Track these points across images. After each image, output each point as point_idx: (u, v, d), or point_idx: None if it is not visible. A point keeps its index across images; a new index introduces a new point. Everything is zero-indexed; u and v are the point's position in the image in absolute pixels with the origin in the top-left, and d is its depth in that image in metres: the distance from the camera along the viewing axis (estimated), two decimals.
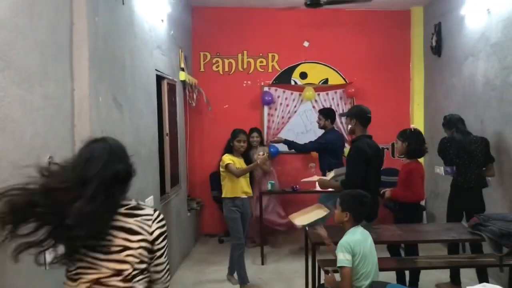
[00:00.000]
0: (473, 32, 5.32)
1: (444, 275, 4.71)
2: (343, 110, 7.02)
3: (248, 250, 5.89)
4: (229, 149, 4.93)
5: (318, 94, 7.05)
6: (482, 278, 4.23)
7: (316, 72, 7.11)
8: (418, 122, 6.87)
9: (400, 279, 4.24)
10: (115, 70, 3.47)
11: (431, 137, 6.62)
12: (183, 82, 5.98)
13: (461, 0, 5.62)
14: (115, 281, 1.80)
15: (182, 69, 5.96)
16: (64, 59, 2.76)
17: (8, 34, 2.13)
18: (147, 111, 4.30)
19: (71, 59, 2.84)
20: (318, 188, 4.98)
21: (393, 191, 4.31)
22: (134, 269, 1.82)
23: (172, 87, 5.46)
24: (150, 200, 4.23)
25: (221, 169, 4.86)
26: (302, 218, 4.06)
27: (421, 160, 4.53)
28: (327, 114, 6.11)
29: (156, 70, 4.67)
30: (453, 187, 4.70)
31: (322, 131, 6.14)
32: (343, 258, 2.91)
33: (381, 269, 3.19)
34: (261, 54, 7.08)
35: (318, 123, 6.14)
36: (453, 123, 4.72)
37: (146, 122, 4.25)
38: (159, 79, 4.91)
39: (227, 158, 4.78)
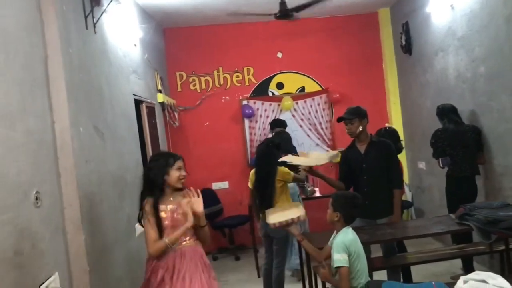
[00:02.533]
0: (440, 28, 5.47)
1: (435, 268, 4.78)
2: (322, 117, 7.11)
3: (244, 263, 5.94)
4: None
5: (297, 103, 7.12)
6: (469, 268, 4.29)
7: (292, 81, 7.19)
8: (396, 120, 6.99)
9: (393, 277, 4.28)
10: (93, 99, 3.48)
11: (410, 133, 6.75)
12: (162, 103, 5.99)
13: None
14: None
15: (160, 91, 5.98)
16: (42, 93, 2.77)
17: None
18: (128, 136, 4.31)
19: (48, 92, 2.85)
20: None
21: None
22: None
23: (151, 110, 5.47)
24: (138, 225, 4.21)
25: (281, 183, 4.39)
26: (276, 216, 4.03)
27: (400, 156, 4.61)
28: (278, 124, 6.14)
29: (134, 94, 4.69)
30: (449, 177, 4.74)
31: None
32: (340, 258, 2.93)
33: (374, 268, 3.23)
34: (236, 69, 7.14)
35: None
36: (444, 113, 4.77)
37: (128, 147, 4.26)
38: (138, 103, 4.93)
39: (287, 171, 4.40)
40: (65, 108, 2.91)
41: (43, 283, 2.48)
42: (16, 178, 2.33)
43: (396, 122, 6.97)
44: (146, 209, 2.84)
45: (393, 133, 4.70)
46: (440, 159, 4.76)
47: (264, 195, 4.34)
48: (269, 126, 6.10)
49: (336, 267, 2.96)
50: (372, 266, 3.20)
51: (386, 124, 5.47)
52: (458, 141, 4.61)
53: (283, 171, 4.35)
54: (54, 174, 2.82)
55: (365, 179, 4.03)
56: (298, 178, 4.55)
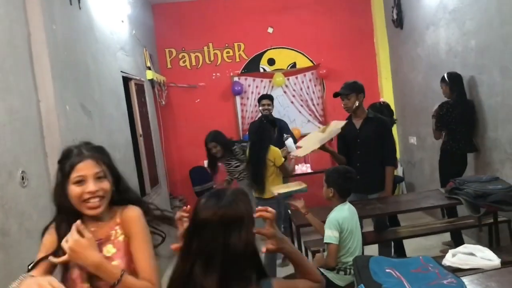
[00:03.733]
0: (431, 1, 5.40)
1: (427, 242, 4.84)
2: (313, 93, 7.08)
3: None
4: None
5: (288, 79, 7.07)
6: (458, 241, 4.34)
7: (284, 57, 7.12)
8: (387, 95, 6.97)
9: (384, 251, 4.33)
10: (79, 76, 3.43)
11: (401, 108, 6.74)
12: (151, 81, 5.93)
13: None
14: None
15: (149, 68, 5.91)
16: (25, 71, 2.72)
17: None
18: (117, 114, 4.26)
19: (32, 70, 2.79)
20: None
21: None
22: None
23: (140, 87, 5.41)
24: None
25: (271, 163, 4.38)
26: (279, 187, 4.09)
27: (393, 130, 4.61)
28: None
29: (121, 71, 4.62)
30: (445, 152, 4.65)
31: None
32: (330, 234, 2.95)
33: (365, 243, 3.25)
34: (227, 45, 7.05)
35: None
36: (457, 83, 4.54)
37: (117, 125, 4.22)
38: (126, 80, 4.87)
39: (280, 153, 4.41)
40: (50, 86, 2.85)
41: (31, 263, 2.47)
42: (1, 158, 2.30)
43: (388, 96, 6.94)
44: None
45: (387, 107, 4.68)
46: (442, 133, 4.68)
47: (256, 171, 4.35)
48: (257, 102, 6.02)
49: (325, 243, 2.99)
50: (364, 240, 3.22)
51: (381, 99, 5.42)
52: (461, 116, 4.51)
53: (275, 150, 4.35)
54: (41, 154, 2.78)
55: (358, 154, 4.04)
56: (286, 168, 4.47)
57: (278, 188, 4.00)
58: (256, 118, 6.21)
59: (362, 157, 4.03)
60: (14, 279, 2.24)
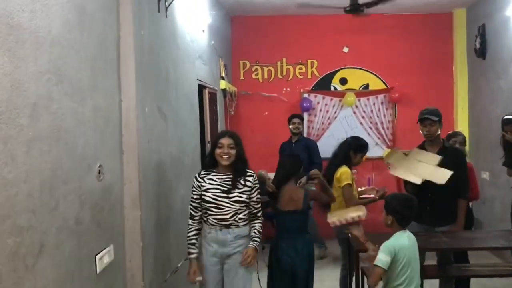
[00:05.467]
0: None
1: (491, 284, 4.57)
2: (384, 116, 6.95)
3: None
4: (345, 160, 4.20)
5: (359, 100, 6.99)
6: None
7: (356, 78, 7.06)
8: (462, 126, 6.70)
9: (445, 286, 4.14)
10: (159, 81, 3.58)
11: (476, 141, 6.45)
12: (224, 90, 6.07)
13: (506, 1, 5.47)
14: None
15: (223, 78, 6.06)
16: (112, 72, 2.88)
17: (61, 49, 2.25)
18: (189, 119, 4.40)
19: (118, 71, 2.95)
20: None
21: None
22: None
23: (213, 96, 5.55)
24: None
25: (337, 184, 4.16)
26: (336, 214, 3.96)
27: None
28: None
29: (198, 79, 4.78)
30: None
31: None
32: (382, 258, 2.88)
33: (425, 276, 3.13)
34: (300, 61, 7.10)
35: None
36: None
37: (189, 130, 4.36)
38: (201, 88, 5.02)
39: (348, 175, 4.09)
40: (132, 88, 3.00)
41: (98, 253, 2.60)
42: (83, 151, 2.44)
43: (463, 128, 6.67)
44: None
45: (464, 138, 4.52)
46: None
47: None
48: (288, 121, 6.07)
49: (374, 265, 2.92)
50: (423, 273, 3.11)
51: (458, 130, 5.10)
52: None
53: (342, 171, 4.14)
54: (118, 151, 2.93)
55: (430, 185, 3.89)
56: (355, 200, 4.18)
57: (334, 216, 3.90)
58: (296, 136, 6.09)
59: (435, 188, 3.87)
60: (82, 266, 2.37)
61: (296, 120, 5.99)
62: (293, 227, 3.68)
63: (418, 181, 3.77)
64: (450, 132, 4.78)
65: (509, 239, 3.67)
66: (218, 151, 3.17)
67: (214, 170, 3.26)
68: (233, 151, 3.17)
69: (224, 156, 3.16)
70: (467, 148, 4.94)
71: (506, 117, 4.42)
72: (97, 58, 2.66)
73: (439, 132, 3.94)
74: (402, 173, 3.98)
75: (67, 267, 2.25)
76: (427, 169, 3.82)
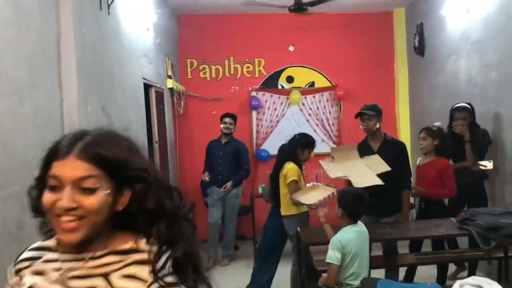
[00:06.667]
0: (454, 31, 5.43)
1: (434, 272, 4.77)
2: (330, 113, 7.10)
3: (244, 253, 6.00)
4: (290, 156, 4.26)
5: (305, 97, 7.11)
6: (468, 272, 4.27)
7: (303, 76, 7.17)
8: (403, 122, 6.97)
9: (391, 276, 4.29)
10: (103, 79, 3.50)
11: (417, 135, 6.71)
12: (171, 89, 6.01)
13: (442, 1, 5.73)
14: None
15: (170, 77, 5.99)
16: (52, 70, 2.79)
17: None
18: (136, 119, 4.33)
19: (59, 70, 2.87)
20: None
21: (427, 189, 4.15)
22: None
23: (160, 95, 5.49)
24: None
25: (283, 180, 4.23)
26: (310, 196, 3.98)
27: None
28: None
29: (143, 78, 4.70)
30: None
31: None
32: (332, 255, 2.96)
33: (372, 266, 3.24)
34: (247, 60, 7.13)
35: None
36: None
37: (135, 130, 4.28)
38: (147, 87, 4.95)
39: (294, 172, 4.16)
40: (74, 86, 2.93)
41: None
42: (23, 153, 2.36)
43: (404, 123, 6.94)
44: None
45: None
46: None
47: (273, 187, 4.39)
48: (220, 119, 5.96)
49: (326, 262, 3.00)
50: (371, 264, 3.21)
51: (437, 123, 5.03)
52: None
53: (288, 168, 4.19)
54: None
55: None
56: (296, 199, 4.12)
57: (310, 198, 3.91)
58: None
59: None
60: None
61: (228, 120, 5.77)
62: None
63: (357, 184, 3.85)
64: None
65: (448, 227, 3.85)
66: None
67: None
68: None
69: None
70: None
71: (457, 105, 4.61)
72: (36, 55, 2.57)
73: (377, 126, 4.09)
74: (340, 174, 4.09)
75: None
76: (366, 173, 3.93)
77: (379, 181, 3.83)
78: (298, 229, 3.92)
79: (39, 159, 2.44)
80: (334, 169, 4.13)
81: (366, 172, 3.95)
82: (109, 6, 3.67)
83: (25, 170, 2.37)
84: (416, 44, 6.46)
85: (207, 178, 5.73)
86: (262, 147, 7.03)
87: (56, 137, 2.72)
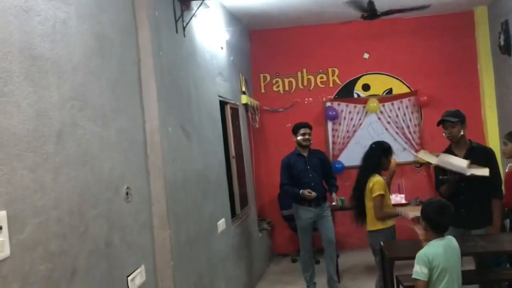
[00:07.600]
0: None
1: None
2: (410, 120, 6.84)
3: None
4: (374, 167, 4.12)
5: (383, 105, 6.91)
6: None
7: (379, 83, 6.99)
8: (491, 126, 6.55)
9: None
10: (181, 100, 3.61)
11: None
12: (245, 105, 6.10)
13: None
14: None
15: (244, 93, 6.08)
16: (134, 95, 2.92)
17: (83, 76, 2.30)
18: (213, 136, 4.42)
19: (140, 93, 3.00)
20: None
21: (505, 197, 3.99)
22: None
23: (235, 111, 5.58)
24: (222, 222, 4.32)
25: (369, 194, 4.10)
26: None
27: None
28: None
29: (219, 96, 4.80)
30: None
31: None
32: (418, 270, 2.82)
33: (464, 282, 3.03)
34: (320, 70, 7.08)
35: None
36: None
37: (213, 147, 4.37)
38: (222, 104, 5.05)
39: (380, 185, 4.04)
40: (155, 108, 3.04)
41: (130, 274, 2.62)
42: (109, 174, 2.48)
43: (492, 127, 6.52)
44: None
45: None
46: None
47: (357, 200, 4.25)
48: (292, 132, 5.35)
49: (413, 278, 2.86)
50: (462, 280, 3.01)
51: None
52: None
53: (375, 181, 4.05)
54: (144, 172, 2.96)
55: (462, 186, 3.79)
56: (386, 211, 4.07)
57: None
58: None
59: (466, 189, 3.78)
60: (115, 286, 2.39)
61: (305, 131, 5.08)
62: None
63: (464, 169, 3.65)
64: None
65: None
66: None
67: None
68: None
69: None
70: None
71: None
72: (118, 81, 2.70)
73: (462, 133, 3.87)
74: (440, 163, 3.85)
75: None
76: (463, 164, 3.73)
77: (486, 171, 3.60)
78: (382, 243, 3.78)
79: (124, 179, 2.57)
80: (432, 158, 3.97)
81: (467, 164, 3.72)
82: (184, 28, 3.80)
83: (112, 190, 2.49)
84: (502, 43, 6.07)
85: (313, 193, 4.89)
86: (338, 159, 6.91)
87: (139, 157, 2.85)
